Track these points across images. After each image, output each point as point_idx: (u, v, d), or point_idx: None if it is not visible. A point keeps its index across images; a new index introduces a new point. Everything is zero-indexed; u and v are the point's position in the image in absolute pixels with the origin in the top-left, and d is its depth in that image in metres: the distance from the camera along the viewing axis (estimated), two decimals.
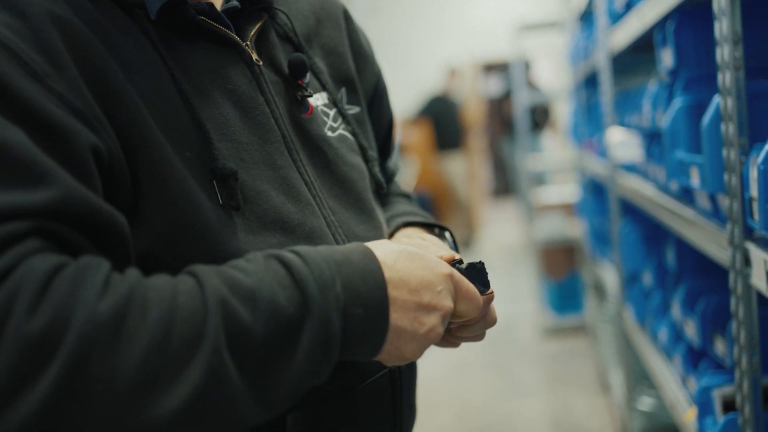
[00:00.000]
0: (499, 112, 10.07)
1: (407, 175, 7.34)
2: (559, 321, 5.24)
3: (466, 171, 8.41)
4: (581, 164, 4.56)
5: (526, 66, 7.38)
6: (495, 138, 10.90)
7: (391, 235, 1.06)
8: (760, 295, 1.38)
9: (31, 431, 0.59)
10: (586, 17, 4.10)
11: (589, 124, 4.21)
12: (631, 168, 2.77)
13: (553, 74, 9.19)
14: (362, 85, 1.11)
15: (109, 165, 0.75)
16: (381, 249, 0.80)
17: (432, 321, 0.80)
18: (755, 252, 1.31)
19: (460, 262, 0.91)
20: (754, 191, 1.28)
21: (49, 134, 0.70)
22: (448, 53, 9.72)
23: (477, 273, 0.89)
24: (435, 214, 8.77)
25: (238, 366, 0.67)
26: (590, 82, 4.28)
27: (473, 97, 9.74)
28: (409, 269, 0.79)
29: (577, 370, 4.46)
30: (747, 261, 1.36)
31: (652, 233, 2.79)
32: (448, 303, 0.81)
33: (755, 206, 1.28)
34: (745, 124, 1.35)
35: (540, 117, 7.80)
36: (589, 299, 4.84)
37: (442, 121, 8.13)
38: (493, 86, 10.52)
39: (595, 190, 4.35)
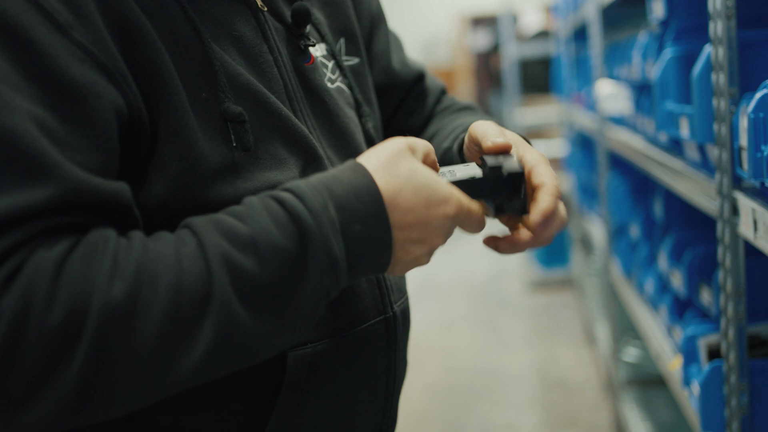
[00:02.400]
0: (487, 66, 10.02)
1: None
2: (546, 274, 5.28)
3: None
4: (569, 118, 4.56)
5: (514, 19, 7.31)
6: (483, 93, 10.86)
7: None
8: (746, 245, 1.39)
9: (69, 408, 0.66)
10: None
11: (578, 77, 4.20)
12: (619, 121, 2.77)
13: (540, 27, 9.12)
14: (361, 28, 1.10)
15: (129, 121, 0.76)
16: (382, 174, 0.79)
17: (424, 250, 0.81)
18: (743, 201, 1.31)
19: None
20: (743, 140, 1.29)
21: (70, 96, 0.71)
22: (434, 7, 9.62)
23: (507, 186, 0.85)
24: None
25: (252, 312, 0.71)
26: (579, 35, 4.25)
27: (460, 51, 9.68)
28: (410, 204, 0.79)
29: (563, 323, 4.50)
30: (735, 210, 1.36)
31: (640, 186, 2.80)
32: (438, 241, 0.82)
33: (744, 155, 1.28)
34: (736, 74, 1.35)
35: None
36: (576, 253, 4.88)
37: None
38: (481, 40, 10.44)
39: (583, 144, 4.35)
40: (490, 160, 0.86)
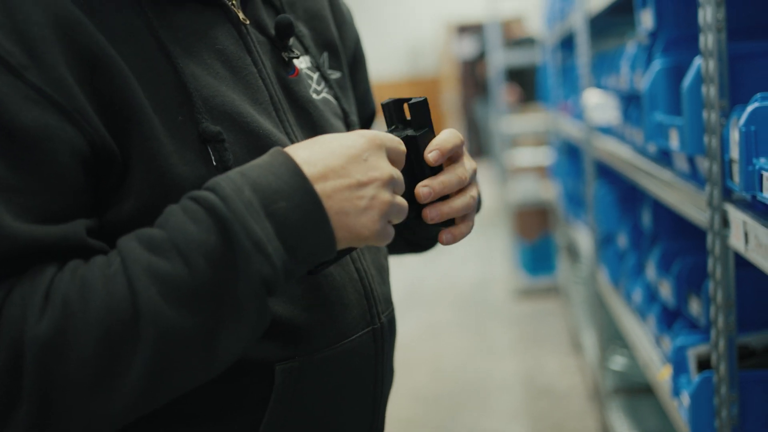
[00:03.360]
0: (473, 74, 10.05)
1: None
2: (532, 282, 5.29)
3: None
4: (556, 127, 4.57)
5: (501, 28, 7.33)
6: (468, 100, 10.89)
7: None
8: (736, 256, 1.40)
9: None
10: None
11: (565, 86, 4.22)
12: (607, 130, 2.78)
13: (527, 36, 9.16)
14: (344, 51, 1.11)
15: (93, 156, 0.76)
16: (292, 147, 0.79)
17: (370, 192, 0.77)
18: (734, 213, 1.32)
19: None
20: (734, 153, 1.29)
21: (20, 142, 0.72)
22: (420, 15, 9.64)
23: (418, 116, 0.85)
24: None
25: (188, 313, 0.71)
26: (565, 44, 4.27)
27: (446, 59, 9.70)
28: (326, 151, 0.77)
29: (549, 331, 4.51)
30: (725, 222, 1.37)
31: (627, 195, 2.81)
32: (381, 169, 0.78)
33: (735, 168, 1.29)
34: (726, 86, 1.36)
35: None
36: (562, 261, 4.89)
37: None
38: (467, 48, 10.47)
39: (570, 153, 4.37)
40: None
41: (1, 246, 0.70)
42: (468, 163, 0.89)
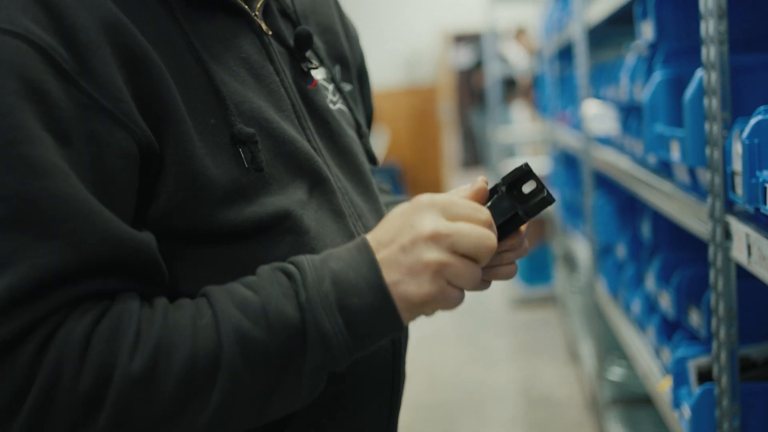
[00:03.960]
0: (469, 83, 10.06)
1: (377, 145, 7.32)
2: (529, 292, 5.29)
3: None
4: (553, 137, 4.58)
5: (497, 37, 7.36)
6: (464, 109, 10.91)
7: None
8: (736, 267, 1.40)
9: None
10: None
11: (562, 96, 4.23)
12: (606, 141, 2.78)
13: (521, 46, 9.19)
14: (354, 64, 1.14)
15: (141, 159, 0.79)
16: (372, 233, 0.80)
17: (414, 255, 0.75)
18: (736, 225, 1.32)
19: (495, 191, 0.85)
20: (737, 165, 1.29)
21: (80, 147, 0.74)
22: (417, 24, 9.66)
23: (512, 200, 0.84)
24: (405, 185, 8.77)
25: (260, 374, 0.76)
26: (563, 54, 4.28)
27: (443, 69, 9.72)
28: (389, 227, 0.79)
29: (547, 341, 4.51)
30: (727, 234, 1.37)
31: (626, 206, 2.81)
32: (421, 226, 0.76)
33: (738, 180, 1.29)
34: (728, 98, 1.36)
35: (508, 88, 7.79)
36: (559, 270, 4.89)
37: None
38: (463, 57, 10.49)
39: (567, 163, 4.38)
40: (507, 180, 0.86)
41: (98, 237, 0.73)
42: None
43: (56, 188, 0.72)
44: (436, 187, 8.59)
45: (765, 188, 1.14)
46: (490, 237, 0.77)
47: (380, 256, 0.77)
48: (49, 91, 0.73)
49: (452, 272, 0.76)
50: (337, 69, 1.08)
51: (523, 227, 0.87)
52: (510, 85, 7.88)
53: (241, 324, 0.75)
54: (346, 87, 1.09)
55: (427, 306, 0.77)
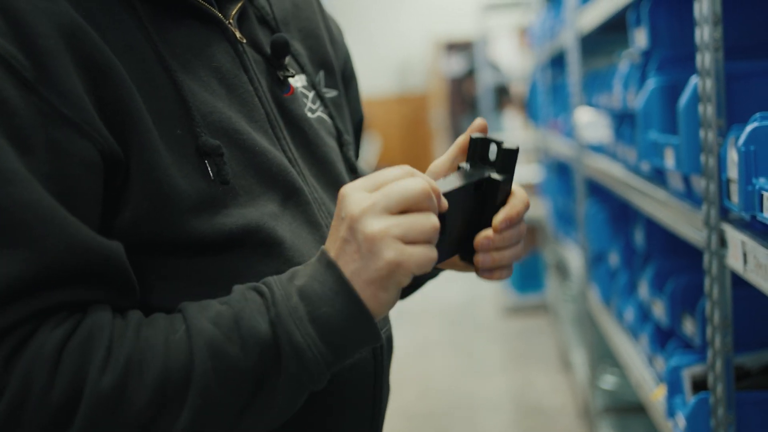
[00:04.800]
0: (460, 91, 10.06)
1: (369, 152, 7.32)
2: (521, 300, 5.28)
3: None
4: (545, 144, 4.58)
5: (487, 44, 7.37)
6: (456, 117, 10.92)
7: None
8: (732, 275, 1.39)
9: None
10: None
11: (555, 104, 4.22)
12: (598, 149, 2.78)
13: (512, 54, 9.21)
14: (338, 68, 1.11)
15: (105, 167, 0.77)
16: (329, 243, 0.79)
17: (369, 251, 0.73)
18: (732, 233, 1.31)
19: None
20: (732, 172, 1.29)
21: (41, 156, 0.73)
22: (409, 32, 9.67)
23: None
24: None
25: (233, 391, 0.74)
26: (556, 62, 4.28)
27: (434, 76, 9.73)
28: (331, 229, 0.78)
29: (538, 349, 4.50)
30: (723, 242, 1.36)
31: (619, 214, 2.81)
32: (349, 206, 0.74)
33: (733, 188, 1.28)
34: (723, 106, 1.36)
35: (500, 96, 7.81)
36: (551, 278, 4.88)
37: None
38: (455, 65, 10.50)
39: (559, 170, 4.37)
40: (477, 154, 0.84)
41: (65, 245, 0.72)
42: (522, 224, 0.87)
43: (20, 195, 0.70)
44: None
45: (762, 195, 1.13)
46: (412, 180, 0.74)
47: (332, 255, 0.76)
48: (8, 99, 0.72)
49: (400, 230, 0.73)
50: (320, 75, 1.06)
51: (516, 202, 0.84)
52: (502, 93, 7.89)
53: (215, 338, 0.74)
54: (330, 93, 1.07)
55: (396, 275, 0.73)
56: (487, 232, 0.84)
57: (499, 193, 0.83)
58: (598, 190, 3.13)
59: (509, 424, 3.52)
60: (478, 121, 0.88)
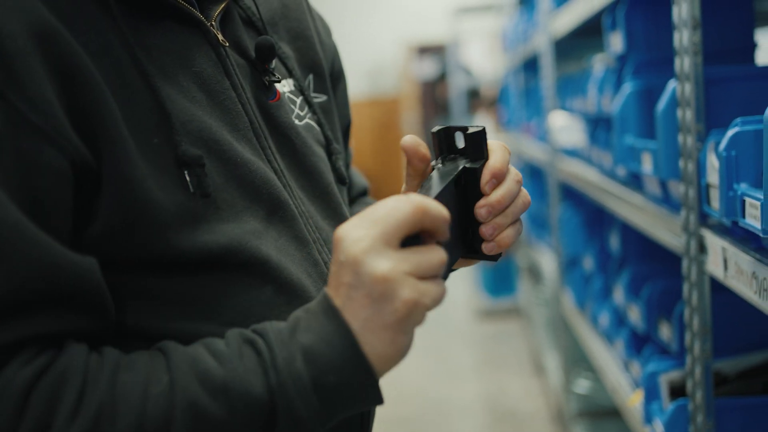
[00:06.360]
0: (432, 94, 10.06)
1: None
2: (493, 304, 5.27)
3: None
4: (517, 148, 4.58)
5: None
6: (428, 120, 10.92)
7: None
8: (711, 281, 1.38)
9: None
10: (526, 0, 4.09)
11: (528, 108, 4.22)
12: (572, 153, 2.77)
13: (484, 57, 9.23)
14: (327, 69, 1.06)
15: (74, 176, 0.72)
16: (332, 289, 0.71)
17: (382, 309, 0.68)
18: (711, 239, 1.30)
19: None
20: (711, 177, 1.27)
21: (7, 165, 0.68)
22: (381, 35, 9.66)
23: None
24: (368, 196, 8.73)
25: None
26: (528, 66, 4.28)
27: (406, 80, 9.72)
28: (335, 277, 0.70)
29: (511, 353, 4.49)
30: (702, 248, 1.35)
31: (594, 218, 2.80)
32: (370, 275, 0.68)
33: (713, 193, 1.27)
34: (702, 110, 1.35)
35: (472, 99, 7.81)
36: (523, 282, 4.88)
37: None
38: (427, 69, 10.50)
39: (532, 174, 4.37)
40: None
41: (33, 265, 0.67)
42: (513, 171, 0.83)
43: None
44: None
45: (744, 201, 1.12)
46: (399, 203, 0.69)
47: (338, 303, 0.69)
48: None
49: (409, 266, 0.68)
50: (309, 79, 1.01)
51: (496, 156, 0.80)
52: (474, 96, 7.90)
53: (200, 401, 0.68)
54: (319, 98, 1.01)
55: (414, 314, 0.69)
56: (481, 202, 0.79)
57: (480, 179, 0.80)
58: (572, 194, 3.13)
59: (482, 429, 3.51)
60: (409, 143, 0.82)
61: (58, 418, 0.65)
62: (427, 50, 10.47)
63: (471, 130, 0.80)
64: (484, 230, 0.80)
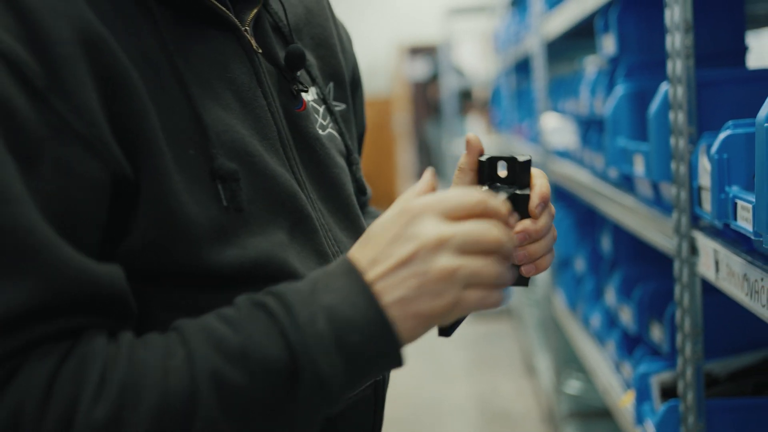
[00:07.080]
0: (424, 95, 10.07)
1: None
2: None
3: None
4: (509, 149, 4.59)
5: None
6: (420, 121, 10.93)
7: None
8: (702, 283, 1.39)
9: None
10: (519, 2, 4.10)
11: (519, 109, 4.23)
12: (564, 154, 2.78)
13: (476, 59, 9.25)
14: (348, 78, 1.05)
15: (113, 187, 0.71)
16: (355, 252, 0.72)
17: (418, 267, 0.68)
18: (703, 241, 1.31)
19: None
20: (703, 180, 1.28)
21: (45, 174, 0.66)
22: (373, 36, 9.67)
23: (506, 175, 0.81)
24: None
25: (243, 424, 0.68)
26: (520, 67, 4.29)
27: (398, 81, 9.73)
28: (378, 240, 0.71)
29: (502, 353, 4.50)
30: (694, 250, 1.36)
31: (585, 219, 2.81)
32: (421, 235, 0.68)
33: (705, 195, 1.28)
34: (694, 113, 1.35)
35: (464, 100, 7.83)
36: None
37: None
38: (419, 69, 10.51)
39: None
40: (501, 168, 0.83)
41: (56, 276, 0.65)
42: (550, 205, 0.85)
43: (14, 219, 0.64)
44: (391, 199, 8.58)
45: (735, 204, 1.13)
46: (490, 227, 0.69)
47: (373, 274, 0.69)
48: (17, 108, 0.65)
49: (466, 274, 0.68)
50: (330, 87, 0.99)
51: (542, 181, 0.83)
52: (465, 98, 7.92)
53: (220, 369, 0.67)
54: (339, 107, 1.00)
55: (447, 315, 0.69)
56: (523, 224, 0.80)
57: (527, 205, 0.81)
58: (563, 196, 3.14)
59: (474, 429, 3.51)
60: (473, 139, 0.84)
61: (83, 401, 0.65)
62: (419, 51, 10.48)
63: (521, 159, 0.82)
64: (518, 255, 0.81)
